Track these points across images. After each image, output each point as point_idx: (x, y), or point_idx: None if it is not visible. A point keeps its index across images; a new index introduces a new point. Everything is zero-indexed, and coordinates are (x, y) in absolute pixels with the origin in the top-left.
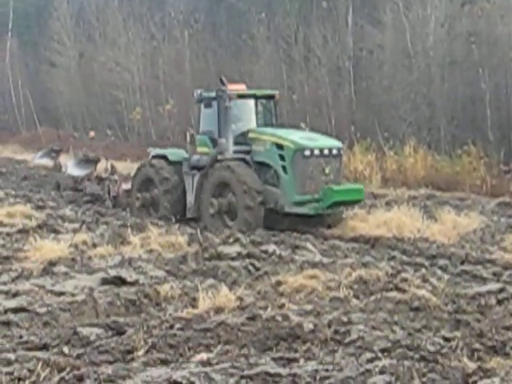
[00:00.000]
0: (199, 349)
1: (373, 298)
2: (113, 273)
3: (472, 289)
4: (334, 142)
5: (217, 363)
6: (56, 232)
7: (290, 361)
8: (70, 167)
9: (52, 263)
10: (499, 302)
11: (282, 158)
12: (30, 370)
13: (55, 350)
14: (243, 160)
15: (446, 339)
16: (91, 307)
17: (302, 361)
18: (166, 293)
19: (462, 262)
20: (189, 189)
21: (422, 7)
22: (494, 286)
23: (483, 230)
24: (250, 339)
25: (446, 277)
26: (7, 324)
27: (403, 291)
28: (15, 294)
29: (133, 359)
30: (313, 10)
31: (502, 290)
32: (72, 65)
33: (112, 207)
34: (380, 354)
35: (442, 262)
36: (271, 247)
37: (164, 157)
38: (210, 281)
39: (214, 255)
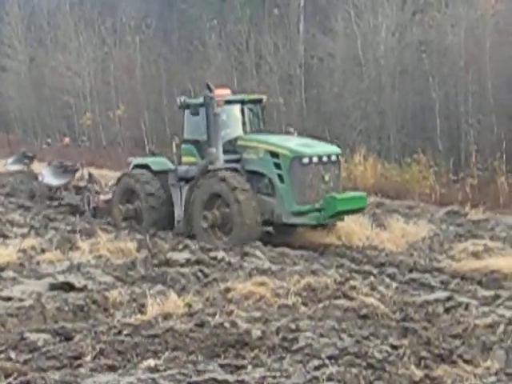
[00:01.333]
0: (147, 355)
1: (321, 305)
2: (61, 278)
3: (420, 297)
4: (332, 148)
5: (164, 370)
6: (4, 237)
7: (238, 368)
8: (47, 176)
9: (1, 268)
10: (447, 311)
11: (277, 166)
12: None
13: (2, 355)
14: (234, 169)
15: (394, 347)
16: (39, 313)
17: (249, 368)
18: (114, 299)
19: (411, 270)
20: (176, 202)
21: (373, 16)
22: (441, 294)
23: (432, 238)
24: (197, 346)
25: (394, 285)
26: None
27: (351, 299)
28: None
29: (80, 365)
30: (264, 17)
31: (449, 299)
32: (22, 69)
33: (92, 217)
34: (328, 362)
35: (390, 269)
36: (220, 254)
37: (146, 166)
38: (159, 287)
39: (163, 261)
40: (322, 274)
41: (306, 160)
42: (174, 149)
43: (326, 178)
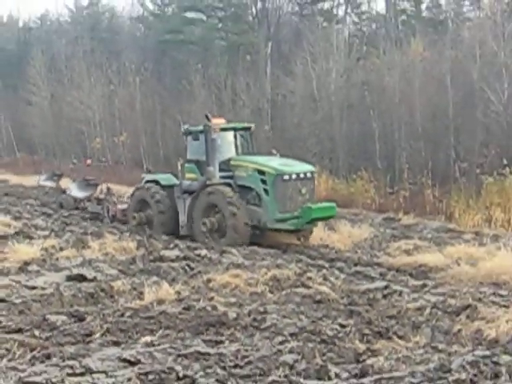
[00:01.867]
0: (145, 333)
1: (284, 292)
2: (75, 271)
3: (363, 286)
4: (307, 167)
5: (158, 344)
6: (30, 238)
7: (217, 343)
8: (74, 189)
9: (26, 263)
10: (384, 297)
11: (263, 182)
12: (7, 350)
13: (28, 333)
14: (228, 184)
15: (342, 326)
16: (58, 299)
17: (227, 343)
18: (118, 287)
19: (355, 265)
20: (181, 210)
21: (325, 61)
22: (380, 283)
23: (372, 239)
24: (185, 325)
25: (342, 276)
26: None
27: (308, 287)
28: None
29: (91, 341)
30: (239, 62)
31: (386, 287)
32: (45, 103)
33: (110, 223)
34: (289, 338)
35: (339, 264)
36: (203, 251)
37: (156, 181)
38: (154, 278)
39: (157, 258)
40: (284, 267)
41: (286, 177)
42: (179, 167)
43: (303, 191)
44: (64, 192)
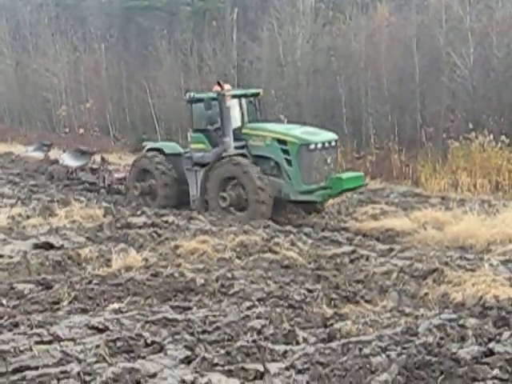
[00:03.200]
0: (112, 300)
1: (251, 258)
2: (43, 239)
3: (330, 251)
4: (331, 135)
5: (126, 311)
6: None
7: (185, 309)
8: (67, 159)
9: None
10: (351, 261)
11: (285, 152)
12: None
13: None
14: (243, 155)
15: (309, 291)
16: (25, 267)
17: (194, 309)
18: (85, 255)
19: (323, 230)
20: (192, 183)
21: (291, 26)
22: (347, 248)
23: (339, 204)
24: (153, 292)
25: (310, 241)
26: None
27: (276, 253)
28: None
29: (59, 309)
30: (205, 28)
31: (353, 252)
32: (10, 71)
33: (106, 193)
34: (257, 303)
35: (306, 229)
36: (171, 218)
37: (159, 150)
38: (122, 245)
39: (124, 225)
40: (252, 233)
41: (312, 146)
42: (190, 138)
43: (328, 160)
44: (54, 163)
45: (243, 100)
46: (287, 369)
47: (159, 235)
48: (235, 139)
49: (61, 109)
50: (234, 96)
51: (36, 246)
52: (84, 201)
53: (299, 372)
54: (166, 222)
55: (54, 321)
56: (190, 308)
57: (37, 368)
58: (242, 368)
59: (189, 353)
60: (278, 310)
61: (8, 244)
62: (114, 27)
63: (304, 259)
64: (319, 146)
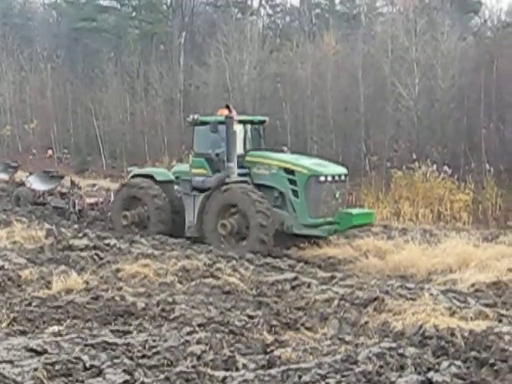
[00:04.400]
0: (52, 322)
1: (193, 283)
2: None
3: (272, 277)
4: (341, 169)
5: (66, 334)
6: None
7: (125, 333)
8: (34, 182)
9: None
10: (293, 288)
11: (292, 182)
12: None
13: None
14: (245, 182)
15: (250, 317)
16: None
17: (134, 333)
18: (26, 276)
19: (265, 256)
20: (188, 209)
21: (239, 52)
22: (289, 275)
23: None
24: (93, 315)
25: (252, 267)
26: None
27: (217, 278)
28: None
29: None
30: (152, 51)
31: (295, 279)
32: None
33: (77, 219)
34: (197, 328)
35: (249, 255)
36: (113, 241)
37: (150, 176)
38: (62, 267)
39: (66, 246)
40: (194, 258)
41: (322, 178)
42: (191, 162)
43: (337, 194)
44: (21, 185)
45: (248, 126)
46: None
47: (101, 258)
48: (237, 166)
49: (5, 128)
50: (240, 122)
51: None
52: (26, 222)
53: None
54: (108, 244)
55: None
56: (129, 332)
57: None
58: None
59: (128, 377)
60: (219, 335)
61: None
62: (60, 48)
63: (245, 285)
64: (329, 178)
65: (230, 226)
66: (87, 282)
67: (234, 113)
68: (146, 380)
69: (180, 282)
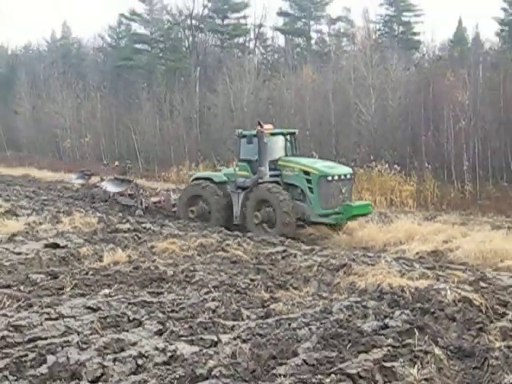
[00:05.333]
0: (104, 287)
1: (208, 255)
2: (51, 240)
3: (267, 250)
4: (347, 169)
5: (114, 295)
6: (16, 215)
7: (158, 294)
8: (108, 186)
9: (14, 234)
10: (283, 258)
11: (308, 181)
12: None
13: (15, 288)
14: (276, 182)
15: (252, 280)
16: (38, 262)
17: (165, 293)
18: (83, 252)
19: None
20: (235, 203)
21: (240, 82)
22: (280, 248)
23: None
24: (134, 280)
25: (252, 243)
26: None
27: (226, 251)
28: None
29: (63, 294)
30: (175, 82)
31: (284, 251)
32: (27, 113)
33: (143, 214)
34: (212, 289)
35: (249, 234)
36: (148, 225)
37: (209, 179)
38: (111, 245)
39: (113, 230)
40: (209, 236)
41: (329, 178)
42: (236, 167)
43: (343, 190)
44: (95, 187)
45: (281, 137)
46: (235, 339)
47: (139, 238)
48: (273, 169)
49: (66, 142)
50: (273, 134)
51: (46, 246)
52: (83, 212)
53: (244, 341)
54: (144, 228)
55: (59, 303)
56: (161, 293)
57: (46, 338)
58: (201, 338)
59: (161, 327)
60: (228, 294)
61: (25, 244)
62: (106, 81)
63: (247, 256)
64: (336, 177)
65: (261, 217)
66: (129, 256)
67: (266, 127)
68: (174, 329)
69: (199, 255)
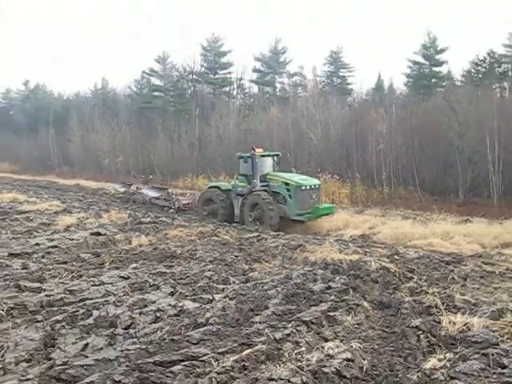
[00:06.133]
0: (132, 262)
1: (206, 239)
2: (95, 230)
3: (246, 235)
4: (316, 181)
5: (140, 268)
6: (70, 212)
7: (171, 267)
8: (148, 192)
9: (68, 226)
10: (258, 241)
11: (288, 190)
12: (58, 273)
13: (69, 263)
14: (265, 190)
15: (236, 256)
16: (85, 245)
17: (176, 266)
18: (118, 238)
19: (242, 224)
20: (236, 206)
21: (226, 118)
22: (255, 233)
23: None
24: (154, 258)
25: (236, 231)
26: (48, 253)
27: (218, 236)
28: (52, 239)
29: (103, 267)
30: (181, 118)
31: (258, 236)
32: (77, 141)
33: (176, 213)
34: (208, 263)
35: (234, 224)
36: (163, 218)
37: (217, 187)
38: (137, 233)
39: (139, 222)
40: (206, 226)
41: (303, 187)
42: (236, 179)
43: (313, 196)
44: (134, 194)
45: (269, 158)
46: (224, 297)
47: (157, 227)
48: (263, 181)
49: (105, 161)
50: (263, 155)
51: (91, 234)
52: (117, 210)
53: (230, 299)
54: (161, 220)
55: (101, 273)
56: (173, 266)
57: (91, 299)
58: (201, 297)
59: (172, 290)
60: (220, 266)
61: (76, 233)
62: (133, 118)
63: (233, 240)
64: (308, 187)
65: (254, 216)
66: (150, 240)
67: (257, 150)
68: (182, 291)
69: (199, 239)
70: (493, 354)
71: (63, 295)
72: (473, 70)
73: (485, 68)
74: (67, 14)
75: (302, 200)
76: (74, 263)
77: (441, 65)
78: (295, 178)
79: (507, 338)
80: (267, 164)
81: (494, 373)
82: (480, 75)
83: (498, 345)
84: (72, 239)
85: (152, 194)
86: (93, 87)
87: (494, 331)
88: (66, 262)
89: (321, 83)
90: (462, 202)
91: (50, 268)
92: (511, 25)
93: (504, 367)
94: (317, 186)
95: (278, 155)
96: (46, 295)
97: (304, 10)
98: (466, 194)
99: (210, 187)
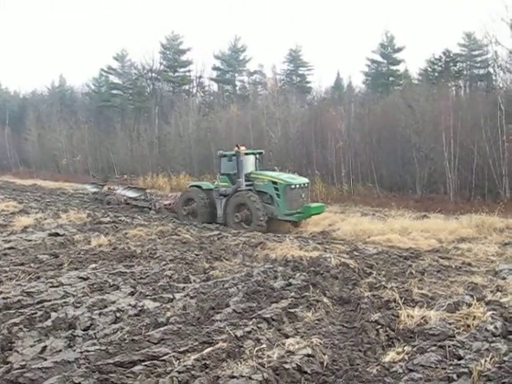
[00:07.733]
0: (91, 262)
1: (166, 238)
2: (53, 230)
3: (207, 233)
4: (304, 180)
5: (99, 268)
6: (27, 213)
7: (130, 266)
8: (124, 191)
9: (26, 227)
10: (218, 239)
11: (276, 189)
12: (15, 275)
13: (27, 265)
14: (250, 190)
15: (197, 255)
16: (43, 246)
17: (136, 266)
18: (76, 238)
19: (203, 223)
20: (218, 206)
21: (186, 116)
22: (216, 232)
23: None
24: (113, 258)
25: (196, 229)
26: (4, 255)
27: (178, 235)
28: (9, 241)
29: (62, 268)
30: (141, 117)
31: (219, 234)
32: (34, 139)
33: (156, 214)
34: (169, 262)
35: (195, 223)
36: (123, 218)
37: (198, 186)
38: (96, 233)
39: (98, 222)
40: (166, 225)
41: (292, 186)
42: (218, 179)
43: (303, 195)
44: (108, 195)
45: (252, 156)
46: (185, 296)
47: (117, 227)
48: (247, 180)
49: (63, 160)
50: (246, 153)
51: (50, 234)
52: (76, 210)
53: (191, 298)
54: (120, 220)
55: (59, 275)
56: (133, 266)
57: (50, 300)
58: (161, 296)
59: (132, 289)
60: (180, 265)
61: (34, 234)
62: (91, 116)
63: (193, 238)
64: (297, 186)
65: (240, 217)
66: (110, 240)
67: (242, 149)
68: (142, 290)
69: (159, 238)
70: (449, 346)
71: (20, 297)
72: (429, 69)
73: (441, 67)
74: (22, 9)
75: (291, 199)
76: (32, 265)
77: (398, 63)
78: (283, 176)
79: (463, 330)
80: (250, 162)
81: (451, 364)
82: (436, 74)
83: (455, 337)
84: (29, 240)
85: (129, 194)
86: (50, 85)
87: (450, 324)
88: (23, 264)
89: (280, 81)
90: (420, 198)
91: (6, 270)
92: (466, 25)
93: (460, 358)
94: (306, 185)
95: (261, 153)
96: (3, 298)
97: (264, 7)
98: (424, 190)
99: (190, 186)
